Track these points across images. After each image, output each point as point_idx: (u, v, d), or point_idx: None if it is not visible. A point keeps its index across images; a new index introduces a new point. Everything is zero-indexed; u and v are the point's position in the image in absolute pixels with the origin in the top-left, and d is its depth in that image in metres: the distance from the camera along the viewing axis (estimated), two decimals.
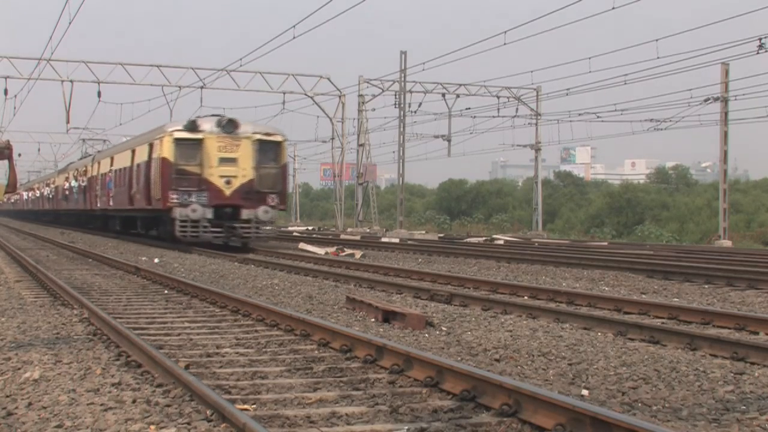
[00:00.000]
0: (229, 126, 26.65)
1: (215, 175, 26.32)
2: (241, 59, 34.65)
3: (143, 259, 21.37)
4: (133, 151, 31.18)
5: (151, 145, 28.05)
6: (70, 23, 29.06)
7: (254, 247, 26.42)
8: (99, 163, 39.24)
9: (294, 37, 26.72)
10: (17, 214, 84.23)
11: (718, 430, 5.42)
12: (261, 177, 26.75)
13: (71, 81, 38.71)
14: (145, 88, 41.57)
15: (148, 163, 28.09)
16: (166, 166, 26.34)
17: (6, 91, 38.32)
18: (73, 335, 8.95)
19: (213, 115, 27.58)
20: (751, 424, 5.54)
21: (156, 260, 20.95)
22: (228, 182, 26.39)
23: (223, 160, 26.44)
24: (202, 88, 40.20)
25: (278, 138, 27.61)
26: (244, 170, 26.62)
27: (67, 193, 48.70)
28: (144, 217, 31.58)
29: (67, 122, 40.04)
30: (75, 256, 22.98)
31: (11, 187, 9.02)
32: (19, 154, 65.92)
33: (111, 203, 35.35)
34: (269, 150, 27.11)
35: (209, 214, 26.01)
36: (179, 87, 40.65)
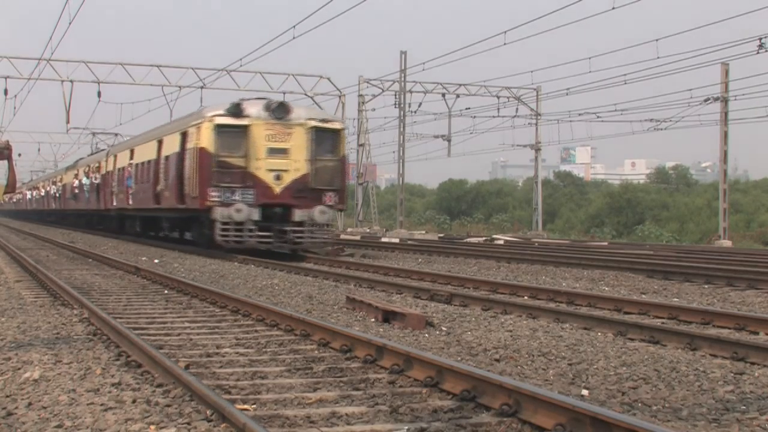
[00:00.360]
0: (279, 110, 22.56)
1: (263, 168, 22.22)
2: (241, 59, 34.71)
3: (143, 259, 21.38)
4: (160, 142, 27.15)
5: (184, 134, 24.00)
6: (70, 23, 29.07)
7: (306, 254, 22.74)
8: (115, 157, 35.32)
9: (294, 38, 26.75)
10: (20, 215, 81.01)
11: (718, 430, 5.42)
12: (317, 171, 22.63)
13: (71, 81, 38.70)
14: (145, 88, 41.44)
15: (181, 154, 24.04)
16: (204, 158, 22.20)
17: (6, 91, 38.32)
18: (73, 335, 8.95)
19: (259, 98, 23.79)
20: (751, 424, 5.55)
21: (156, 260, 20.95)
22: (278, 177, 22.29)
23: (273, 151, 22.31)
24: (202, 88, 40.20)
25: (336, 125, 23.72)
26: (297, 163, 22.53)
27: (76, 191, 44.61)
28: (174, 219, 27.58)
29: (67, 122, 40.02)
30: (75, 256, 22.98)
31: (11, 187, 9.02)
32: (19, 154, 65.80)
33: (130, 202, 31.52)
34: (326, 139, 23.01)
35: (255, 215, 21.98)
36: (179, 87, 40.65)
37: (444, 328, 9.60)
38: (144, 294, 13.27)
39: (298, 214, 22.34)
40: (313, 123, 22.85)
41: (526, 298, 12.70)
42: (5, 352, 7.89)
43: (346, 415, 5.66)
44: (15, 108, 45.18)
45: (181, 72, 40.69)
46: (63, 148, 72.01)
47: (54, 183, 56.17)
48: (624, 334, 9.11)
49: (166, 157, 25.98)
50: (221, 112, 22.43)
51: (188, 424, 5.35)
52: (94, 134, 50.68)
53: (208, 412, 5.52)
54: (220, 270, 18.00)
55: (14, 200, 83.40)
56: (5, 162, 8.71)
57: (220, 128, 22.17)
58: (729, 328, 9.62)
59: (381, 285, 14.19)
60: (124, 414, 5.57)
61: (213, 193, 21.97)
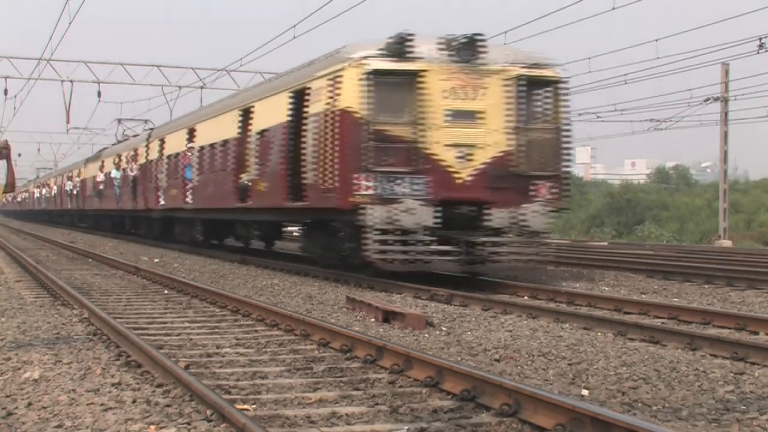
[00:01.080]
0: (467, 49, 14.27)
1: (441, 142, 14.04)
2: (241, 59, 34.65)
3: (143, 259, 21.38)
4: (247, 112, 19.19)
5: (300, 93, 15.99)
6: (70, 23, 29.10)
7: (500, 279, 14.54)
8: (161, 141, 27.77)
9: (294, 37, 26.68)
10: (26, 215, 74.82)
11: (718, 430, 5.42)
12: (527, 147, 14.50)
13: (71, 81, 38.66)
14: (145, 88, 41.44)
15: (294, 125, 16.15)
16: (350, 126, 14.01)
17: (6, 91, 38.25)
18: (73, 335, 8.96)
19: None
20: (751, 424, 5.55)
21: (156, 260, 20.95)
22: (464, 157, 14.18)
23: (457, 115, 14.17)
24: (202, 88, 40.14)
25: (552, 74, 15.05)
26: (494, 134, 14.33)
27: (101, 187, 37.57)
28: (272, 223, 20.22)
29: (67, 122, 39.94)
30: (75, 256, 22.98)
31: (10, 187, 9.04)
32: (19, 154, 65.82)
33: (189, 200, 23.83)
34: (539, 95, 15.01)
35: (430, 218, 13.81)
36: (179, 87, 40.61)
37: (444, 328, 9.60)
38: (144, 294, 13.27)
39: (496, 216, 14.34)
40: (520, 69, 14.59)
41: (526, 298, 12.69)
42: (5, 352, 7.89)
43: (346, 415, 5.66)
44: (15, 108, 45.26)
45: (181, 72, 40.66)
46: (63, 148, 72.03)
47: (70, 178, 48.47)
48: (624, 334, 9.11)
49: (261, 133, 18.12)
50: (374, 51, 14.15)
51: (188, 424, 5.35)
52: (120, 121, 42.01)
53: (208, 412, 5.53)
54: (220, 270, 18.00)
55: (18, 199, 79.77)
56: (4, 162, 8.71)
57: (377, 77, 13.89)
58: (729, 328, 9.62)
59: (381, 285, 14.17)
60: (124, 414, 5.57)
61: (365, 183, 13.87)
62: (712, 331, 9.29)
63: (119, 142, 39.34)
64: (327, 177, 14.58)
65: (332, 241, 15.69)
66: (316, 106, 15.17)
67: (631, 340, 8.86)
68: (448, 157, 14.14)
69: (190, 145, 24.07)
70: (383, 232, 13.80)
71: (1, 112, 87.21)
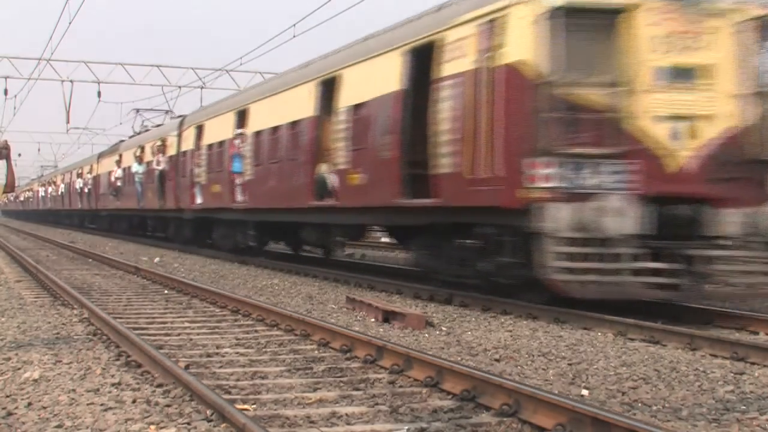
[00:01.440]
0: None
1: (650, 113, 9.82)
2: (241, 59, 34.74)
3: (143, 259, 21.38)
4: (330, 83, 14.99)
5: (423, 50, 12.06)
6: (70, 23, 29.14)
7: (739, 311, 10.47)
8: (199, 128, 23.10)
9: (294, 36, 26.73)
10: (29, 216, 71.71)
11: (718, 430, 5.42)
12: None
13: (71, 81, 38.69)
14: (145, 88, 41.45)
15: (413, 93, 12.30)
16: (519, 90, 9.96)
17: (6, 91, 38.30)
18: (73, 335, 8.96)
19: None
20: (751, 424, 5.55)
21: (156, 260, 20.95)
22: (682, 134, 9.90)
23: (673, 74, 9.89)
24: (202, 88, 40.17)
25: None
26: (724, 101, 10.00)
27: (119, 184, 33.56)
28: (362, 226, 16.84)
29: (67, 122, 39.95)
30: (75, 256, 22.97)
31: (9, 187, 9.05)
32: (19, 154, 65.85)
33: (238, 198, 19.65)
34: None
35: (638, 222, 9.63)
36: (179, 87, 40.64)
37: (444, 328, 9.60)
38: (144, 294, 13.26)
39: (728, 220, 10.02)
40: (760, 9, 10.25)
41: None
42: (5, 352, 7.89)
43: (346, 415, 5.66)
44: (15, 108, 45.31)
45: (181, 72, 40.69)
46: (63, 148, 71.89)
47: (80, 175, 44.44)
48: (624, 334, 9.11)
49: (355, 108, 13.92)
50: None
51: (188, 424, 5.35)
52: (137, 111, 37.06)
53: (208, 412, 5.53)
54: (220, 270, 17.99)
55: (21, 199, 78.29)
56: (4, 162, 8.71)
57: (567, 17, 9.77)
58: (729, 328, 9.62)
59: (381, 285, 14.17)
60: (124, 414, 5.57)
61: (543, 171, 9.84)
62: (712, 331, 9.28)
63: (137, 133, 34.91)
64: (479, 163, 10.54)
65: (469, 252, 11.72)
66: (455, 65, 11.11)
67: (631, 340, 8.86)
68: (660, 133, 9.89)
69: (240, 130, 19.60)
70: (572, 240, 9.73)
71: (1, 112, 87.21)
